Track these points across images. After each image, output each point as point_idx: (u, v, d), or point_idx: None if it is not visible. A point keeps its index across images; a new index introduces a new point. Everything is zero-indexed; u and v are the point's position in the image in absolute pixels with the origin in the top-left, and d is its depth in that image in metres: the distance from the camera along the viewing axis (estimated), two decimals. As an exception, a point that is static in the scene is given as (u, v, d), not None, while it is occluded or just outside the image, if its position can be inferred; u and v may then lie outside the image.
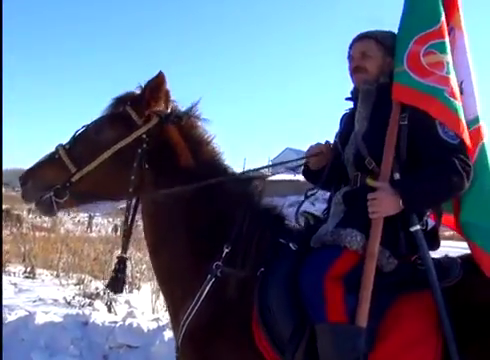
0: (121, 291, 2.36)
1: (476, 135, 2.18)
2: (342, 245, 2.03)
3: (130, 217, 2.34)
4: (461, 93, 2.19)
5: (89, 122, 2.35)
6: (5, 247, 8.65)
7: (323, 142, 2.43)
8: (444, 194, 2.09)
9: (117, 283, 2.31)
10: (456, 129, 2.07)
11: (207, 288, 2.13)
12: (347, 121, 2.38)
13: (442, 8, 2.22)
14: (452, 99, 2.10)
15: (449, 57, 2.17)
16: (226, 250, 2.15)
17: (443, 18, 2.20)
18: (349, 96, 2.40)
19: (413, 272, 2.08)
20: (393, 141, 2.09)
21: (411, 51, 2.17)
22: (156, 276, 2.41)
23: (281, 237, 2.21)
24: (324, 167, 2.37)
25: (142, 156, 2.23)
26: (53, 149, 2.31)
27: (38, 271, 8.14)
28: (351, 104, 2.40)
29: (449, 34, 2.24)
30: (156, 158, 2.26)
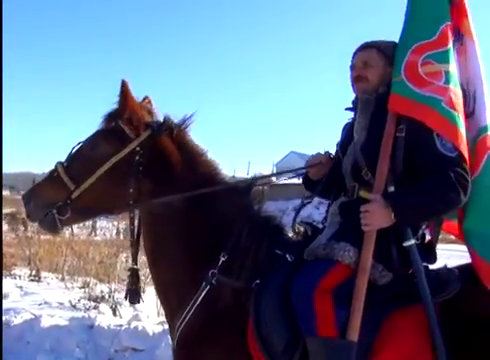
0: (139, 301, 2.39)
1: (485, 143, 2.16)
2: (334, 259, 2.01)
3: (136, 229, 2.36)
4: (474, 102, 2.18)
5: (84, 139, 2.38)
6: (11, 250, 8.71)
7: (323, 152, 2.43)
8: (438, 209, 2.05)
9: (134, 294, 2.36)
10: (454, 140, 2.03)
11: (201, 296, 2.14)
12: (348, 131, 2.37)
13: (448, 16, 2.19)
14: (450, 109, 2.06)
15: (450, 66, 2.14)
16: (222, 259, 2.16)
17: (443, 27, 2.16)
18: (350, 106, 2.39)
19: (408, 285, 2.04)
20: (388, 152, 2.07)
21: (409, 61, 2.15)
22: (154, 285, 2.42)
23: (278, 248, 2.21)
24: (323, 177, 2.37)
25: (137, 168, 2.25)
26: (53, 167, 2.36)
27: (43, 274, 8.18)
28: (352, 114, 2.39)
29: (459, 41, 2.23)
30: (151, 169, 2.28)
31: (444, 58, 2.14)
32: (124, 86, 2.28)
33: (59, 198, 2.27)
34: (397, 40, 2.29)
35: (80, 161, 2.33)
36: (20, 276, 8.01)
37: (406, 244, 2.02)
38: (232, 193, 2.33)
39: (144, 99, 2.48)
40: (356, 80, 2.29)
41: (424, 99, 2.07)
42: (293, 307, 1.99)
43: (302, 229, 2.35)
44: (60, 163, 2.33)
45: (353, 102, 2.36)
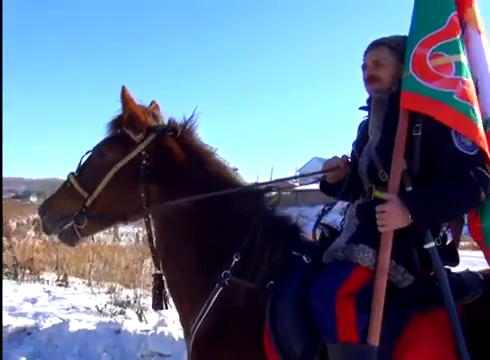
0: (166, 307, 2.40)
1: None
2: (354, 261, 1.99)
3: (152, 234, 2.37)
4: (477, 92, 2.07)
5: (92, 147, 2.41)
6: (39, 255, 8.86)
7: (341, 156, 2.39)
8: (457, 209, 2.02)
9: (159, 300, 2.37)
10: (472, 136, 1.96)
11: (214, 297, 2.13)
12: (363, 130, 2.33)
13: (454, 6, 2.12)
14: (463, 101, 1.99)
15: (461, 57, 2.07)
16: (235, 259, 2.14)
17: (452, 16, 2.10)
18: (364, 105, 2.34)
19: (429, 288, 2.00)
20: (401, 151, 2.01)
21: (416, 54, 2.08)
22: (168, 288, 2.39)
23: (294, 249, 2.17)
24: (341, 181, 2.33)
25: (145, 172, 2.26)
26: (65, 178, 2.40)
27: (70, 279, 8.29)
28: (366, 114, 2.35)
29: (463, 31, 2.15)
30: (158, 172, 2.28)
31: (454, 48, 2.07)
32: (124, 92, 2.31)
33: (75, 208, 2.31)
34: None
35: (90, 169, 2.36)
36: (48, 281, 8.14)
37: (427, 246, 1.97)
38: (244, 193, 2.31)
39: (151, 104, 2.49)
40: (369, 80, 2.24)
41: (435, 94, 2.01)
42: (313, 311, 1.96)
43: (319, 231, 2.32)
44: (71, 173, 2.37)
45: (367, 101, 2.32)
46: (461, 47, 2.08)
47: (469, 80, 2.05)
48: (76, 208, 2.30)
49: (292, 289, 2.04)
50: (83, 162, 2.40)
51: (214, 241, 2.23)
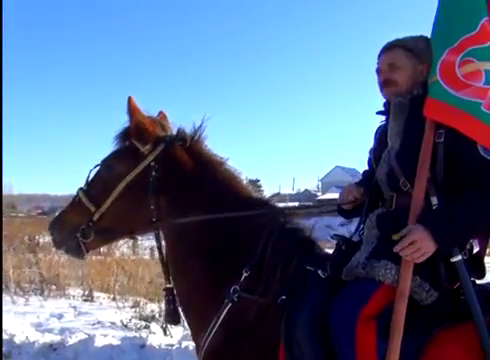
0: (179, 321, 2.36)
1: None
2: (376, 279, 1.86)
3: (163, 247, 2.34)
4: None
5: (100, 160, 2.41)
6: (64, 271, 8.94)
7: (355, 185, 2.27)
8: (487, 225, 1.88)
9: (171, 315, 2.33)
10: None
11: (223, 313, 2.07)
12: (381, 136, 2.20)
13: (486, 10, 2.00)
14: None
15: None
16: (245, 274, 2.08)
17: (484, 22, 1.98)
18: (381, 109, 2.22)
19: (454, 302, 1.88)
20: (427, 162, 1.89)
21: (445, 60, 1.96)
22: (179, 303, 2.33)
23: (308, 263, 2.07)
24: (359, 205, 2.21)
25: (154, 184, 2.23)
26: (75, 193, 2.40)
27: (96, 294, 8.36)
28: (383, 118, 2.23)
29: None
30: (168, 183, 2.25)
31: (485, 55, 1.95)
32: (130, 102, 2.29)
33: (82, 221, 2.31)
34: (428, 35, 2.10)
35: (98, 183, 2.36)
36: (74, 296, 8.22)
37: (454, 260, 1.84)
38: (255, 203, 2.24)
39: (159, 114, 2.47)
40: (384, 85, 2.13)
41: (461, 103, 1.90)
42: (332, 335, 1.84)
43: (335, 243, 2.19)
44: (80, 188, 2.37)
45: (384, 105, 2.19)
46: None
47: None
48: (83, 221, 2.31)
49: (308, 307, 1.93)
50: (92, 176, 2.40)
51: (224, 255, 2.17)
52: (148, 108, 2.40)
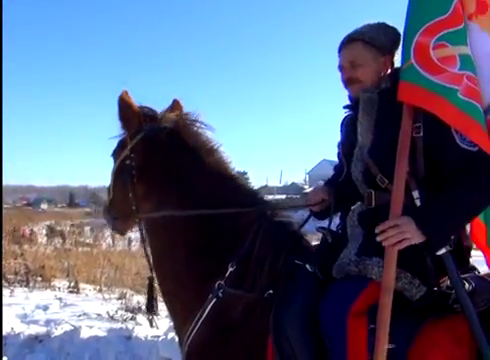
0: (154, 311, 2.41)
1: None
2: (368, 276, 1.84)
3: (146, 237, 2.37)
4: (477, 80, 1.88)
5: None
6: (50, 262, 8.91)
7: (322, 185, 2.26)
8: (470, 214, 1.87)
9: (151, 304, 2.36)
10: (470, 135, 1.82)
11: (208, 308, 2.04)
12: (348, 129, 2.13)
13: None
14: (468, 100, 1.82)
15: (466, 48, 1.87)
16: (231, 269, 2.05)
17: (456, 3, 1.88)
18: (348, 103, 2.13)
19: (441, 295, 1.87)
20: (405, 155, 1.83)
21: (419, 42, 1.86)
22: (162, 298, 2.34)
23: (296, 257, 2.04)
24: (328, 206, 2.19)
25: (130, 173, 2.29)
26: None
27: (82, 286, 8.33)
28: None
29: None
30: (145, 173, 2.27)
31: (459, 39, 1.86)
32: (122, 97, 2.31)
33: (109, 210, 2.52)
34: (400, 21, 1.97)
35: (110, 176, 2.48)
36: (59, 288, 8.19)
37: (440, 253, 1.82)
38: (241, 197, 2.21)
39: (173, 103, 2.45)
40: (348, 83, 2.07)
41: (438, 88, 1.81)
42: (322, 330, 1.83)
43: (321, 236, 2.16)
44: None
45: (350, 98, 2.11)
46: (465, 37, 1.88)
47: (474, 75, 1.87)
48: (108, 208, 2.52)
49: (298, 303, 1.92)
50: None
51: (208, 249, 2.14)
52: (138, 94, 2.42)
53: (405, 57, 1.91)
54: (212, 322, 2.04)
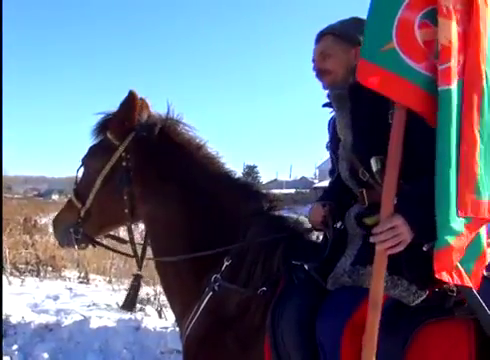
0: (132, 309, 2.44)
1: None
2: (363, 287, 1.76)
3: (144, 239, 2.41)
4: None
5: (81, 159, 2.44)
6: (61, 253, 8.98)
7: (322, 204, 2.14)
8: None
9: (129, 301, 2.39)
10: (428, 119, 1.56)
11: (205, 301, 2.05)
12: (334, 130, 2.11)
13: None
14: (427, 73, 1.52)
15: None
16: (226, 263, 2.05)
17: None
18: (326, 101, 2.08)
19: (440, 297, 1.77)
20: (398, 152, 1.61)
21: (402, 19, 1.51)
22: (164, 292, 2.39)
23: (294, 254, 1.99)
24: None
25: (127, 174, 2.24)
26: None
27: (91, 276, 8.40)
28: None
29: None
30: (141, 172, 2.24)
31: (436, 18, 1.53)
32: (132, 96, 2.25)
33: (72, 219, 2.38)
34: None
35: (82, 181, 2.41)
36: (70, 278, 8.28)
37: (426, 248, 1.65)
38: (239, 191, 2.20)
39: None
40: (319, 75, 2.04)
41: (423, 81, 1.51)
42: (318, 342, 1.79)
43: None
44: (73, 188, 2.44)
45: (328, 96, 2.06)
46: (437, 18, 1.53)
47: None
48: (73, 219, 2.38)
49: (295, 309, 1.87)
50: (77, 174, 2.45)
51: (204, 243, 2.14)
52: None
53: (384, 37, 1.54)
54: (209, 314, 2.05)
